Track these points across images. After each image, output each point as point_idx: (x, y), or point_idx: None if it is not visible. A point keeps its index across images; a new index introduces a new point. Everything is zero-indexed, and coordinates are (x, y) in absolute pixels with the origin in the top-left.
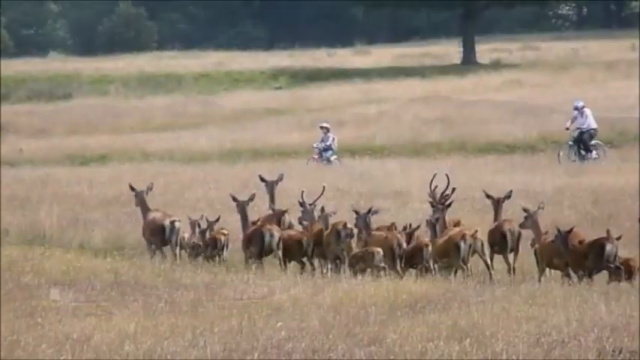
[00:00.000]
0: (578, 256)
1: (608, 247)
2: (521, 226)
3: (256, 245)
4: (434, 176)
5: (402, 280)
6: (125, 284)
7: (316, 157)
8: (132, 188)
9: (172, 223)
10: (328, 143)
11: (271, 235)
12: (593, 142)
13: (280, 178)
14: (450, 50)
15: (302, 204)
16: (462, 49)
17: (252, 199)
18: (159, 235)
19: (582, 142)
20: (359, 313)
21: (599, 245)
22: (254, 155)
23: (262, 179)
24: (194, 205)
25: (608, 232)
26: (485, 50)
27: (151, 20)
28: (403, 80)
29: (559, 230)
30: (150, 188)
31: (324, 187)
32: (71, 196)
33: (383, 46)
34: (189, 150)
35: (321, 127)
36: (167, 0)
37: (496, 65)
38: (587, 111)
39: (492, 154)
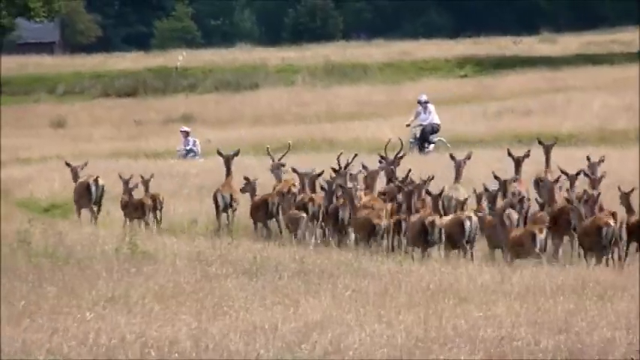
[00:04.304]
0: None
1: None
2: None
3: (214, 204)
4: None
5: (590, 268)
6: (311, 273)
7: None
8: (67, 164)
9: (96, 180)
10: (189, 147)
11: (223, 196)
12: (436, 138)
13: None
14: (637, 37)
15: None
16: None
17: (237, 154)
18: (86, 195)
19: (425, 139)
20: (546, 302)
21: None
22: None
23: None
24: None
25: None
26: None
27: (336, 10)
28: (590, 68)
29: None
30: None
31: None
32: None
33: (569, 33)
34: (376, 139)
35: (181, 132)
36: None
37: None
38: (431, 107)
39: None
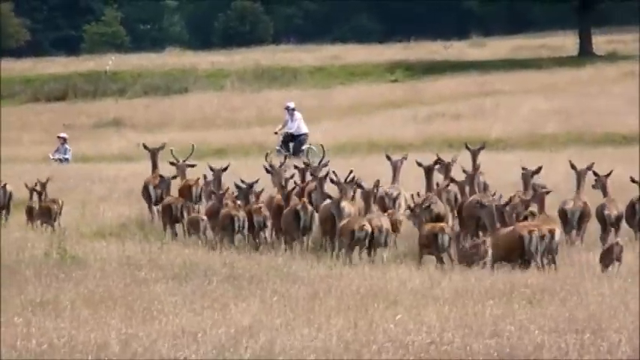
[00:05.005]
0: None
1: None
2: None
3: (146, 197)
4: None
5: (520, 273)
6: (241, 278)
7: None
8: None
9: (4, 187)
10: (66, 156)
11: (154, 189)
12: (305, 146)
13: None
14: (567, 42)
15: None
16: (578, 41)
17: (162, 147)
18: None
19: (293, 148)
20: (475, 306)
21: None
22: (370, 148)
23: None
24: None
25: None
26: (602, 42)
27: (266, 14)
28: (519, 72)
29: None
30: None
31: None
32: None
33: (499, 38)
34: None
35: (58, 137)
36: None
37: (612, 57)
38: (298, 114)
39: (609, 145)
